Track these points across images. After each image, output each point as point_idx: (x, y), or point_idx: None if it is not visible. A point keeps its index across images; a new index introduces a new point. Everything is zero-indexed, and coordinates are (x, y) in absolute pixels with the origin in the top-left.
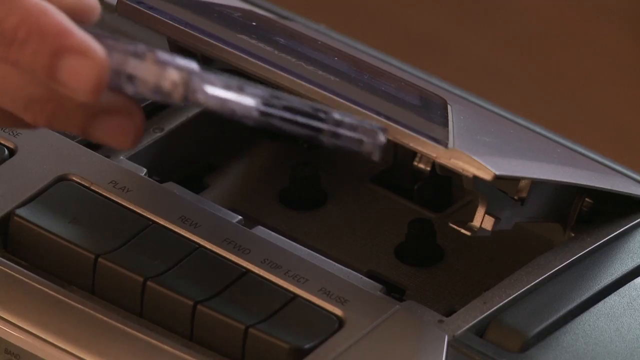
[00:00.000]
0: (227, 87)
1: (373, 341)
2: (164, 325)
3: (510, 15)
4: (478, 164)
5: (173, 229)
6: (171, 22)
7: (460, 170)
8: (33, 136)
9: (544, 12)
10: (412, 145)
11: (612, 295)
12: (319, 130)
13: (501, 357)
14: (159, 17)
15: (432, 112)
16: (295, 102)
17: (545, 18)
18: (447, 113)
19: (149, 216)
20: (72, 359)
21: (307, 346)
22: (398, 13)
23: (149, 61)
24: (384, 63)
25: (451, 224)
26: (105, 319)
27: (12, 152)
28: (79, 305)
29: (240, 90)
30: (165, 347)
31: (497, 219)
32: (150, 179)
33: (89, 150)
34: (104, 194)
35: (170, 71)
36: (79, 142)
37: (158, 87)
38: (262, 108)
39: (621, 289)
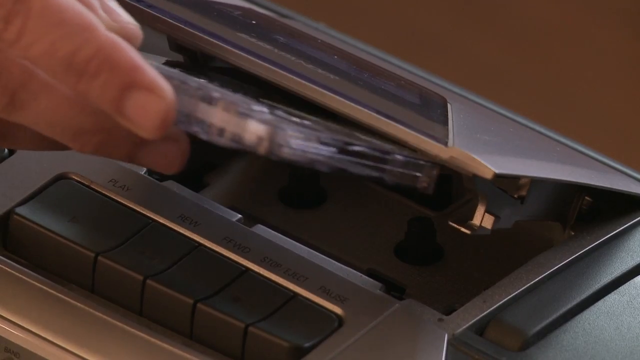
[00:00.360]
0: (308, 139)
1: (373, 340)
2: (163, 324)
3: (510, 15)
4: (478, 163)
5: (173, 227)
6: (171, 21)
7: (460, 169)
8: None
9: (544, 11)
10: (412, 143)
11: (612, 293)
12: (384, 171)
13: (501, 355)
14: (158, 15)
15: (432, 111)
16: (364, 146)
17: (546, 17)
18: (447, 112)
19: (148, 215)
20: (72, 357)
21: (306, 345)
22: (398, 12)
23: (231, 112)
24: (383, 62)
25: (451, 223)
26: (105, 317)
27: (11, 151)
28: (79, 304)
29: (318, 140)
30: (165, 345)
31: (497, 218)
32: (149, 178)
33: None
34: (104, 192)
35: (254, 124)
36: None
37: (238, 138)
38: (338, 156)
39: (621, 288)
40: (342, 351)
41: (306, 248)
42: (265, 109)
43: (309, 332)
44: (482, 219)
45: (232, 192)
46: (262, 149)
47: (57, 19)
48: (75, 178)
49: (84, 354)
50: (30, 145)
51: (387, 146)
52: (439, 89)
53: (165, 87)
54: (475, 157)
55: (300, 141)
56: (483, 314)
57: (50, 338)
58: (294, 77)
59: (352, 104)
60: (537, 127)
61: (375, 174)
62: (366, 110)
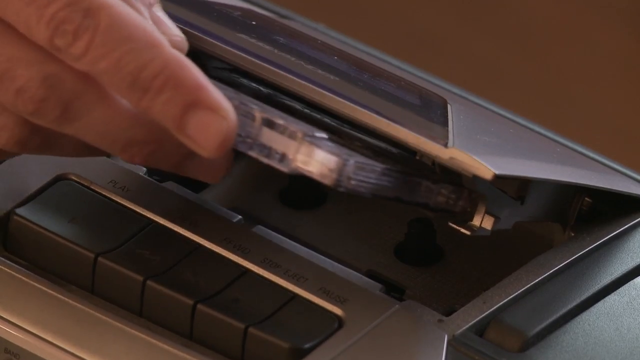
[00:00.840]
0: (372, 171)
1: (373, 341)
2: (163, 325)
3: (509, 14)
4: (478, 164)
5: (173, 228)
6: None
7: (460, 170)
8: None
9: (543, 10)
10: (412, 144)
11: (612, 294)
12: (430, 199)
13: (501, 356)
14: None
15: (432, 112)
16: (418, 176)
17: (545, 16)
18: (447, 112)
19: (148, 215)
20: (71, 358)
21: (306, 346)
22: (397, 12)
23: (296, 139)
24: (383, 62)
25: (451, 224)
26: (104, 318)
27: None
28: (79, 305)
29: (381, 173)
30: (165, 346)
31: (497, 219)
32: (149, 179)
33: None
34: (104, 193)
35: (323, 155)
36: None
37: (303, 167)
38: (395, 187)
39: (621, 289)
40: (342, 352)
41: (306, 249)
42: (324, 135)
43: (309, 333)
44: (482, 219)
45: (232, 193)
46: (328, 180)
47: (124, 34)
48: (75, 179)
49: (84, 355)
50: (74, 154)
51: (433, 175)
52: (438, 89)
53: (228, 107)
54: (475, 157)
55: (364, 173)
56: (483, 315)
57: (50, 339)
58: (294, 78)
59: (353, 105)
60: (537, 128)
61: (422, 200)
62: (366, 111)
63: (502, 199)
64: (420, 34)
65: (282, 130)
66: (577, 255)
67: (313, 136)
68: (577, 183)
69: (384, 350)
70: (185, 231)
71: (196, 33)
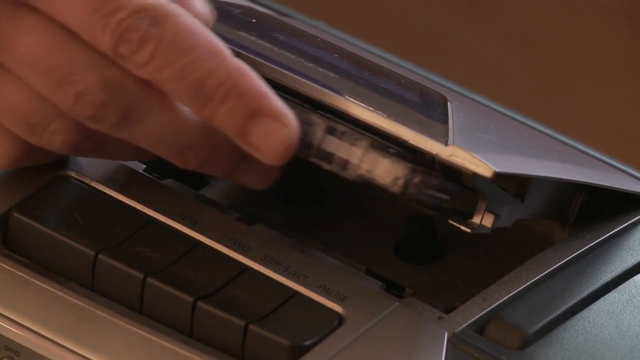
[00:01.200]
0: (434, 180)
1: (373, 338)
2: (163, 322)
3: (510, 13)
4: (478, 161)
5: (173, 225)
6: None
7: (460, 168)
8: None
9: (543, 9)
10: (412, 142)
11: (612, 292)
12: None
13: (501, 354)
14: None
15: (432, 109)
16: (449, 186)
17: (545, 15)
18: (447, 110)
19: (148, 213)
20: (72, 355)
21: (306, 343)
22: (397, 10)
23: (360, 147)
24: (384, 60)
25: (451, 221)
26: (105, 315)
27: None
28: (79, 302)
29: (437, 186)
30: (165, 343)
31: (497, 216)
32: (149, 176)
33: None
34: (104, 190)
35: (390, 163)
36: None
37: (369, 174)
38: (435, 194)
39: (621, 286)
40: (342, 350)
41: (306, 246)
42: (388, 143)
43: (309, 330)
44: (482, 217)
45: (232, 190)
46: (395, 188)
47: (189, 43)
48: (75, 177)
49: (84, 352)
50: (123, 157)
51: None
52: (438, 87)
53: (290, 115)
54: (475, 155)
55: (427, 181)
56: (483, 313)
57: (50, 336)
58: (295, 76)
59: (353, 103)
60: (537, 126)
61: (436, 202)
62: (367, 108)
63: (502, 196)
64: (421, 33)
65: (345, 138)
66: (577, 253)
67: (378, 144)
68: (577, 181)
69: (384, 347)
70: (186, 228)
71: None
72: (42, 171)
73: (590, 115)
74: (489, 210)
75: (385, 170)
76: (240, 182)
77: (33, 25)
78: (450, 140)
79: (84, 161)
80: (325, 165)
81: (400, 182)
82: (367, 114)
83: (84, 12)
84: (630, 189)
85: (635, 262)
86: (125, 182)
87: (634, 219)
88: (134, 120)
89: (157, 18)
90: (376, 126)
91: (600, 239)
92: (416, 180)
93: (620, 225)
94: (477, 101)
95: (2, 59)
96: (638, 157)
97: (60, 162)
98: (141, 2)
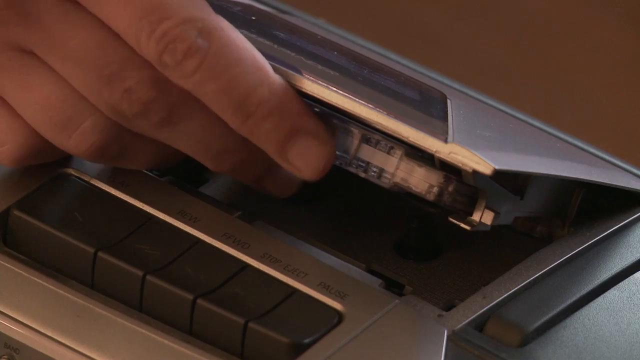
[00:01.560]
0: (465, 187)
1: (372, 336)
2: (163, 320)
3: (509, 9)
4: (477, 159)
5: (172, 223)
6: None
7: (460, 165)
8: None
9: (543, 5)
10: (412, 139)
11: (612, 289)
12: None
13: (500, 351)
14: None
15: (431, 107)
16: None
17: (545, 11)
18: (447, 107)
19: (148, 210)
20: (71, 353)
21: (306, 341)
22: (398, 7)
23: (396, 156)
24: (383, 57)
25: (451, 219)
26: (104, 313)
27: None
28: (79, 300)
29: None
30: (165, 341)
31: (497, 214)
32: (149, 174)
33: None
34: (104, 188)
35: (425, 172)
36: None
37: (404, 182)
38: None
39: (621, 284)
40: (341, 347)
41: (306, 244)
42: (420, 152)
43: (308, 328)
44: (482, 215)
45: (231, 188)
46: (430, 196)
47: (235, 57)
48: (75, 174)
49: (84, 350)
50: (144, 165)
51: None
52: (438, 84)
53: (328, 132)
54: (475, 152)
55: (459, 189)
56: (483, 310)
57: (50, 334)
58: (294, 73)
59: (353, 100)
60: (537, 123)
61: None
62: (366, 106)
63: (501, 194)
64: (420, 30)
65: (381, 146)
66: (576, 250)
67: (412, 153)
68: (576, 178)
69: (384, 345)
70: (185, 226)
71: None
72: (42, 169)
73: (589, 111)
74: (488, 207)
75: (420, 179)
76: (267, 189)
77: (86, 21)
78: (450, 137)
79: (84, 160)
80: (361, 174)
81: (435, 190)
82: (366, 111)
83: (130, 17)
84: (629, 186)
85: (634, 260)
86: (125, 179)
87: (634, 217)
88: (178, 120)
89: (204, 30)
90: (375, 123)
91: (600, 237)
92: (450, 188)
93: (620, 223)
94: (476, 98)
95: (44, 51)
96: (638, 154)
97: (59, 160)
98: (189, 13)
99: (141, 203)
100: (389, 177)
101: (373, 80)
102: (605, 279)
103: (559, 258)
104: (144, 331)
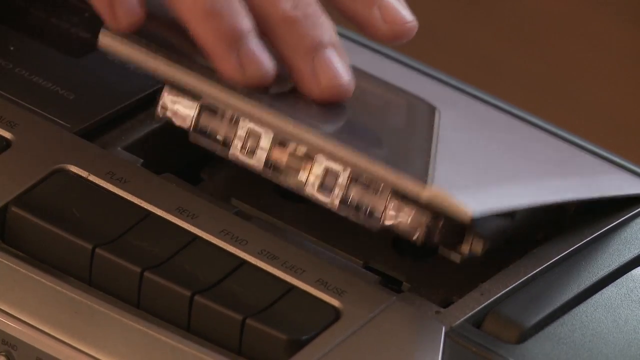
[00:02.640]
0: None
1: (370, 332)
2: (161, 316)
3: (509, 5)
4: (455, 206)
5: (170, 219)
6: (167, 60)
7: (439, 211)
8: (30, 127)
9: (543, 2)
10: (390, 182)
11: (610, 286)
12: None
13: (498, 348)
14: (152, 53)
15: (415, 133)
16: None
17: (546, 8)
18: (433, 130)
19: (146, 207)
20: (69, 349)
21: (304, 337)
22: None
23: (385, 195)
24: (369, 62)
25: (440, 250)
26: (102, 309)
27: (8, 144)
28: (76, 296)
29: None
30: (163, 337)
31: (487, 241)
32: (147, 170)
33: (86, 141)
34: (101, 184)
35: (414, 213)
36: (76, 133)
37: (394, 223)
38: None
39: (618, 280)
40: (339, 344)
41: (304, 241)
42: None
43: (306, 324)
44: (471, 245)
45: (229, 184)
46: (419, 238)
47: None
48: (73, 170)
49: (82, 347)
50: None
51: None
52: (435, 83)
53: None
54: (454, 197)
55: (447, 226)
56: (480, 307)
57: (47, 330)
58: (262, 107)
59: (328, 141)
60: (535, 120)
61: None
62: (343, 144)
63: (491, 219)
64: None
65: (369, 187)
66: (574, 247)
67: (400, 193)
68: (567, 201)
69: (382, 341)
70: (183, 223)
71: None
72: (40, 165)
73: (589, 108)
74: (477, 235)
75: (409, 220)
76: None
77: None
78: (429, 178)
79: (82, 155)
80: (352, 217)
81: (424, 230)
82: (344, 152)
83: None
84: (624, 193)
85: (632, 256)
86: (123, 176)
87: (632, 213)
88: None
89: None
90: (353, 165)
91: (598, 233)
92: (440, 226)
93: (618, 220)
94: (471, 94)
95: None
96: (637, 151)
97: (57, 155)
98: None
99: (139, 199)
100: (378, 217)
101: (352, 107)
102: (602, 275)
103: (556, 255)
104: (141, 327)
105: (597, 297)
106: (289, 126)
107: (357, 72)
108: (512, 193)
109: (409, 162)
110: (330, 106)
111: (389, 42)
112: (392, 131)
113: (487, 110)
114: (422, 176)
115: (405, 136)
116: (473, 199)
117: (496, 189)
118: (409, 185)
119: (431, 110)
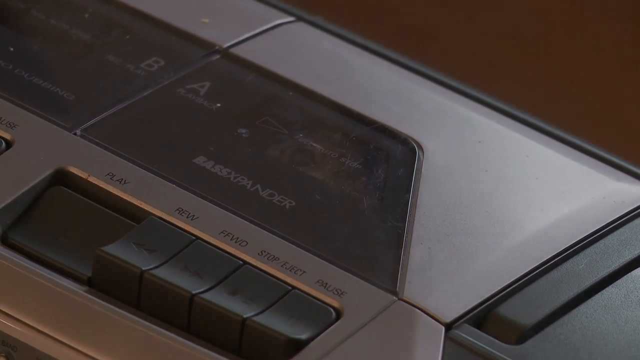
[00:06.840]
0: None
1: (370, 333)
2: (161, 317)
3: (505, 5)
4: (426, 321)
5: (170, 220)
6: None
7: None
8: (30, 128)
9: (542, 2)
10: (355, 292)
11: (610, 287)
12: None
13: (498, 349)
14: None
15: (387, 210)
16: None
17: (544, 8)
18: (410, 198)
19: (146, 208)
20: (69, 350)
21: (304, 338)
22: (395, 4)
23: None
24: (380, 56)
25: None
26: (102, 311)
27: (8, 144)
28: (76, 297)
29: None
30: (163, 338)
31: None
32: (146, 171)
33: (86, 142)
34: (101, 186)
35: None
36: (76, 133)
37: None
38: None
39: (618, 281)
40: (339, 344)
41: (302, 241)
42: None
43: (306, 325)
44: None
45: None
46: None
47: None
48: (73, 172)
49: (82, 348)
50: None
51: None
52: (434, 84)
53: None
54: (425, 309)
55: None
56: (480, 307)
57: (47, 332)
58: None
59: (274, 238)
60: (534, 121)
61: None
62: (295, 248)
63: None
64: (417, 26)
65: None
66: (574, 248)
67: None
68: (553, 256)
69: (382, 342)
70: (183, 224)
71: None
72: (40, 166)
73: (587, 108)
74: None
75: None
76: None
77: None
78: (398, 287)
79: (81, 156)
80: None
81: None
82: (301, 256)
83: None
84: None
85: (633, 257)
86: (123, 177)
87: (632, 214)
88: None
89: None
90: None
91: (598, 234)
92: None
93: (618, 220)
94: (471, 94)
95: None
96: (636, 151)
97: (58, 156)
98: None
99: (139, 201)
100: None
101: (306, 178)
102: (602, 276)
103: (557, 255)
104: (142, 329)
105: (598, 297)
106: None
107: None
108: (492, 277)
109: (377, 262)
110: None
111: None
112: (358, 214)
113: (477, 124)
114: (392, 283)
115: (376, 212)
116: (449, 300)
117: (474, 282)
118: (379, 295)
119: (413, 151)
